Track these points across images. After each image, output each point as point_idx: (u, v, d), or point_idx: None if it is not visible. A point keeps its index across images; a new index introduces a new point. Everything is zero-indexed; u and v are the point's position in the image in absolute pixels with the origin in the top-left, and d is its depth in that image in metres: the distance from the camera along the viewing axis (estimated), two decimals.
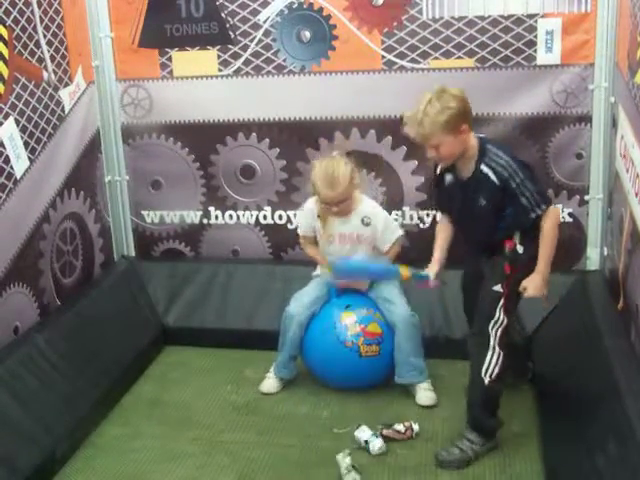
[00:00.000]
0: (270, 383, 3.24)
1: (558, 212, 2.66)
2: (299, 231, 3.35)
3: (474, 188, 2.57)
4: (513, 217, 2.56)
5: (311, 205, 3.22)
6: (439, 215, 2.94)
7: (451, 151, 2.54)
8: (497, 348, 2.59)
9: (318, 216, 3.18)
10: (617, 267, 3.01)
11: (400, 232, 3.24)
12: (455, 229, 2.83)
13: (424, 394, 3.07)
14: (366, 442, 2.75)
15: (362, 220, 3.14)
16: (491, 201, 2.55)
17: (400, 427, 2.82)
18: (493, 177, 2.52)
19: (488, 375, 2.59)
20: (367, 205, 3.18)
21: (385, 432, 2.80)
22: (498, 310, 2.59)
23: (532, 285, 2.57)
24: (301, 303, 3.19)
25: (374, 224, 3.14)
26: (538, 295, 2.59)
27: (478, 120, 3.42)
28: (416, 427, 2.84)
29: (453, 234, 2.85)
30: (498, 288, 2.59)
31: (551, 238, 2.56)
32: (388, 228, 3.18)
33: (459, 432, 2.71)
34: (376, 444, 2.73)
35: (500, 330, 2.60)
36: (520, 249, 2.59)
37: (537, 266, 2.57)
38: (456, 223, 2.81)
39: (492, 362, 2.59)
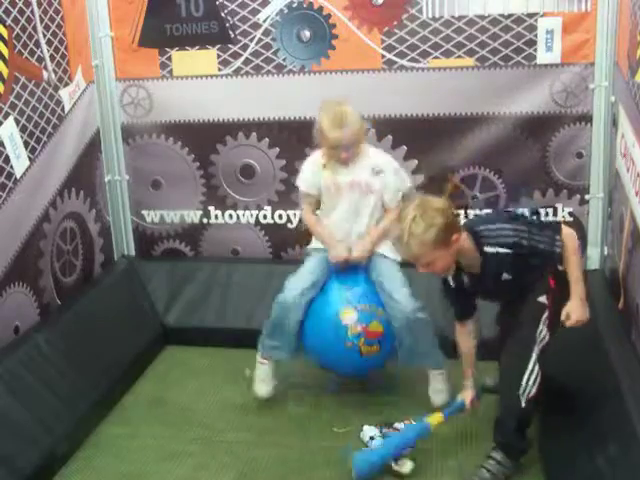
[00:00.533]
0: (264, 371, 3.08)
1: (571, 233, 2.52)
2: (301, 187, 3.09)
3: (491, 271, 2.48)
4: (540, 264, 2.47)
5: (316, 157, 3.02)
6: (457, 325, 2.76)
7: (446, 263, 2.46)
8: (536, 367, 2.44)
9: (324, 166, 2.98)
10: (617, 266, 3.01)
11: (409, 183, 3.04)
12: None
13: (438, 396, 2.97)
14: (371, 438, 2.74)
15: (372, 169, 2.94)
16: (513, 271, 2.47)
17: (401, 425, 2.81)
18: (503, 250, 2.44)
19: (525, 395, 2.44)
20: (376, 154, 3.00)
21: (385, 431, 2.79)
22: (542, 323, 2.47)
23: (574, 310, 2.45)
24: (297, 290, 2.98)
25: (385, 173, 2.95)
26: (584, 319, 2.46)
27: (478, 120, 3.45)
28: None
29: (477, 338, 2.76)
30: (542, 299, 2.49)
31: (575, 260, 2.47)
32: (398, 176, 2.98)
33: (485, 453, 2.57)
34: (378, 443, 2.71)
35: (541, 347, 2.46)
36: (560, 267, 2.51)
37: (572, 292, 2.46)
38: (485, 300, 2.73)
39: (530, 382, 2.44)
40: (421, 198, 2.47)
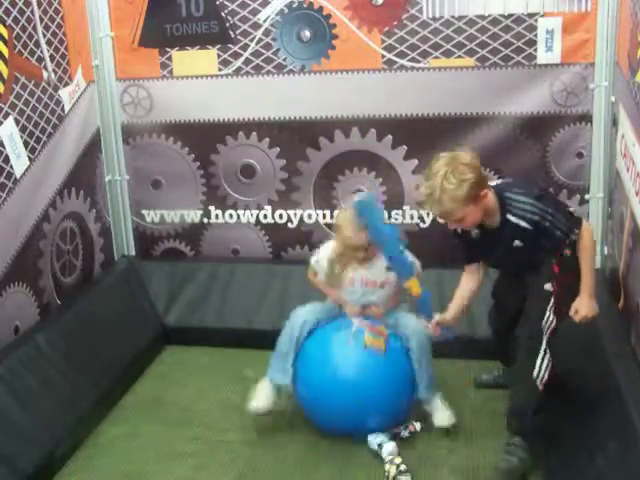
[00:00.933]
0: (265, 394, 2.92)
1: (589, 229, 2.55)
2: (316, 269, 3.02)
3: (505, 235, 2.51)
4: (551, 246, 2.50)
5: (330, 250, 2.98)
6: (465, 268, 2.77)
7: (475, 218, 2.48)
8: (547, 352, 2.49)
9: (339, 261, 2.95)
10: (618, 266, 3.01)
11: (419, 267, 2.91)
12: (487, 267, 2.77)
13: (442, 415, 2.85)
14: (379, 445, 2.70)
15: (387, 268, 2.86)
16: (526, 240, 2.49)
17: (405, 433, 2.80)
18: (524, 224, 2.46)
19: (540, 379, 2.48)
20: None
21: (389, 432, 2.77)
22: (548, 310, 2.51)
23: (583, 306, 2.48)
24: (308, 308, 2.96)
25: None
26: (591, 314, 2.48)
27: (478, 120, 3.45)
28: (417, 425, 2.82)
29: (479, 285, 2.75)
30: (548, 287, 2.52)
31: (587, 256, 2.50)
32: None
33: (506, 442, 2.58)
34: (387, 448, 2.68)
35: (549, 331, 2.51)
36: (567, 252, 2.53)
37: (582, 287, 2.49)
38: (490, 264, 2.75)
39: (542, 366, 2.49)
40: (450, 154, 2.48)
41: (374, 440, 2.73)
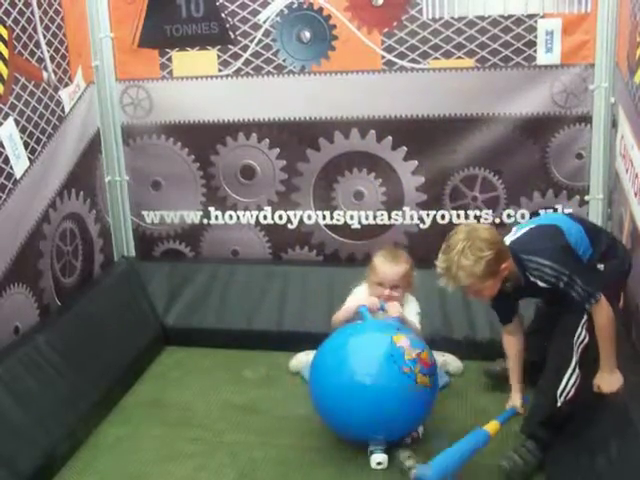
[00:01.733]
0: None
1: (605, 306, 2.43)
2: (349, 304, 2.98)
3: (532, 288, 2.54)
4: (571, 302, 2.47)
5: (363, 291, 3.03)
6: (503, 330, 2.82)
7: (493, 291, 2.50)
8: (577, 369, 2.45)
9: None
10: None
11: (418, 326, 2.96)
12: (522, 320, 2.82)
13: None
14: (370, 452, 2.66)
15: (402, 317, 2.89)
16: (550, 291, 2.50)
17: None
18: (542, 284, 2.47)
19: (563, 397, 2.45)
20: (411, 309, 2.98)
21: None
22: (581, 326, 2.46)
23: (604, 383, 2.42)
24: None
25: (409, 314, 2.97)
26: (613, 389, 2.40)
27: (478, 121, 3.45)
28: (420, 429, 2.78)
29: (523, 341, 2.78)
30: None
31: (608, 334, 2.42)
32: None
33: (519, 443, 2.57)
34: (377, 458, 2.63)
35: (581, 348, 2.46)
36: (601, 267, 2.54)
37: (601, 364, 2.44)
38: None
39: (570, 383, 2.45)
40: (469, 227, 2.48)
41: (370, 447, 2.67)
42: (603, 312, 2.42)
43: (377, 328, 2.77)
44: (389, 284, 2.92)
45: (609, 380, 2.42)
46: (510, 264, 2.48)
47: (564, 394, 2.45)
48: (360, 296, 3.01)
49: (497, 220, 3.54)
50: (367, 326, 2.81)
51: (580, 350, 2.47)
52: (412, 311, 2.98)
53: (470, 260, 2.38)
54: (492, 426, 2.57)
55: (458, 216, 3.57)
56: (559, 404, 2.46)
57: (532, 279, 2.49)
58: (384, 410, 2.58)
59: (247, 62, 3.58)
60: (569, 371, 2.46)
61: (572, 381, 2.45)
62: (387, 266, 2.92)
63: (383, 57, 3.45)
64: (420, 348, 2.64)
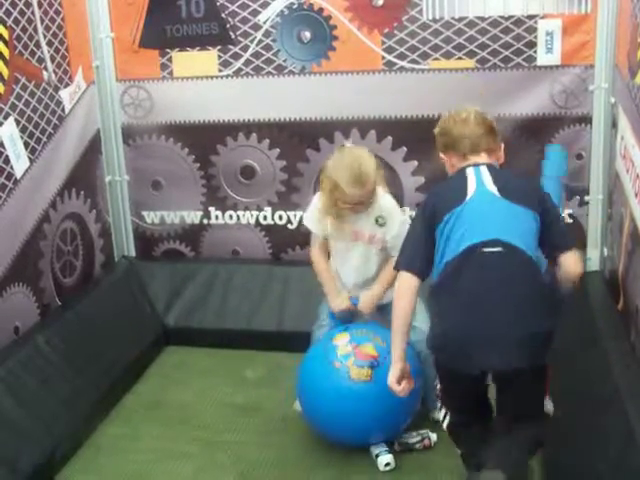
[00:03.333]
0: None
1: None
2: (310, 228, 2.93)
3: None
4: None
5: (318, 203, 2.84)
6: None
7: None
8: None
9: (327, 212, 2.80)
10: (617, 268, 3.01)
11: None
12: None
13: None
14: (376, 456, 2.68)
15: (376, 220, 2.77)
16: None
17: (415, 438, 2.76)
18: None
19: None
20: (385, 202, 2.81)
21: (398, 443, 2.74)
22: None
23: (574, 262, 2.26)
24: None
25: (388, 226, 2.78)
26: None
27: None
28: (434, 436, 2.76)
29: None
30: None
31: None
32: (399, 237, 2.56)
33: None
34: (383, 460, 2.65)
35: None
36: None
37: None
38: None
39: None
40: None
41: (374, 450, 2.70)
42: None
43: (330, 335, 2.80)
44: (357, 203, 2.71)
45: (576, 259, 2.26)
46: None
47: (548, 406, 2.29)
48: (318, 204, 2.81)
49: None
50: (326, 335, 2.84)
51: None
52: (395, 223, 2.77)
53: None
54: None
55: None
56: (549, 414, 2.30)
57: None
58: (334, 409, 2.65)
59: (247, 62, 3.59)
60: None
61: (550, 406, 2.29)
62: (352, 190, 2.64)
63: (383, 58, 3.45)
64: (357, 342, 2.66)
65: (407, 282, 2.22)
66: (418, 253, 2.24)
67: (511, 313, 2.10)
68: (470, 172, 2.27)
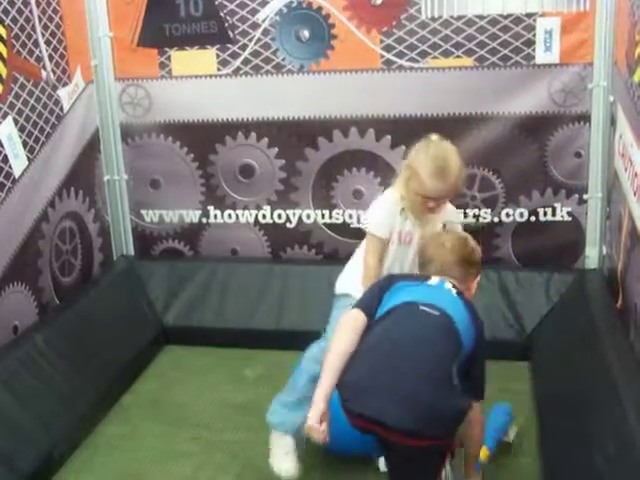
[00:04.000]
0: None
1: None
2: (373, 232, 2.56)
3: None
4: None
5: (393, 198, 2.56)
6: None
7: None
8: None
9: (402, 210, 2.54)
10: (616, 266, 3.02)
11: None
12: None
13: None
14: (377, 456, 2.63)
15: (444, 225, 2.51)
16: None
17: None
18: None
19: None
20: (452, 208, 2.65)
21: None
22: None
23: None
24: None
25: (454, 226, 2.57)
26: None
27: (477, 120, 3.45)
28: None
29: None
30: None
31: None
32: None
33: None
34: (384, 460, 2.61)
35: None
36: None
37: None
38: None
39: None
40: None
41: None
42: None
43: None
44: (435, 199, 2.45)
45: None
46: None
47: None
48: (391, 200, 2.56)
49: (496, 219, 3.54)
50: None
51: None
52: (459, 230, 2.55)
53: None
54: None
55: None
56: None
57: None
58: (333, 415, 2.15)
59: (246, 61, 3.58)
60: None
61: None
62: (436, 183, 2.40)
63: (382, 56, 3.45)
64: None
65: (354, 316, 2.13)
66: (374, 303, 2.17)
67: (418, 371, 1.96)
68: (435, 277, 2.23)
